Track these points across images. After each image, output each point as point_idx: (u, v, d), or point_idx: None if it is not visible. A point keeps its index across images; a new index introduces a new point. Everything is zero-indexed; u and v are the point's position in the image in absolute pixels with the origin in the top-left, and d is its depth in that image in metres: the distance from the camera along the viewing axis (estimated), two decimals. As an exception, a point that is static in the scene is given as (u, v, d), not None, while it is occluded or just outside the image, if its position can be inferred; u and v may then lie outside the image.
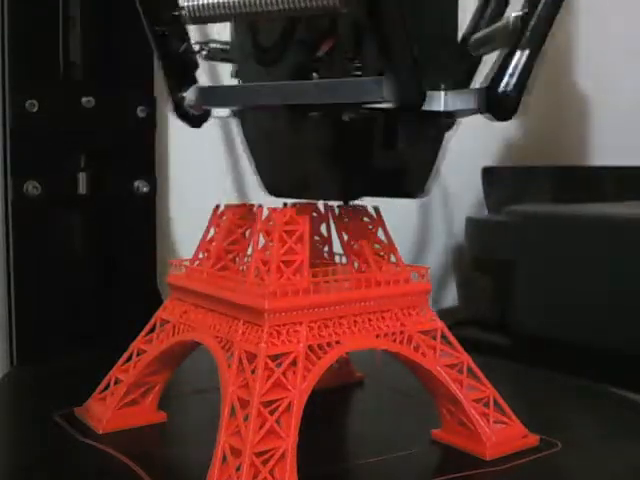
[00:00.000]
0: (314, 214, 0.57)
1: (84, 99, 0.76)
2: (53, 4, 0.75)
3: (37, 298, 0.76)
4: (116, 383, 0.57)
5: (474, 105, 0.44)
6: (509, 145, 1.19)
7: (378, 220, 0.54)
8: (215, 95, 0.49)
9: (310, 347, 0.48)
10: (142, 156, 0.81)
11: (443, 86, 0.45)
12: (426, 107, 0.44)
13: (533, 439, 0.54)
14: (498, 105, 0.44)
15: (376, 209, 0.54)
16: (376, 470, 0.51)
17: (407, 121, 0.46)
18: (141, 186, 0.81)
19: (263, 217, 0.50)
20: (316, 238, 0.59)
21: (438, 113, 0.45)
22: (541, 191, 1.06)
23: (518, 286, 0.89)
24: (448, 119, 0.49)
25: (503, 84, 0.43)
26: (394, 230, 0.55)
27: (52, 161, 0.76)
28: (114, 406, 0.56)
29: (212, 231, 0.56)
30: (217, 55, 0.51)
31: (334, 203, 0.55)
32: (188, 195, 0.89)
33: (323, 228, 0.58)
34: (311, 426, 0.46)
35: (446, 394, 0.53)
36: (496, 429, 0.53)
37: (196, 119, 0.51)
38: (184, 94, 0.49)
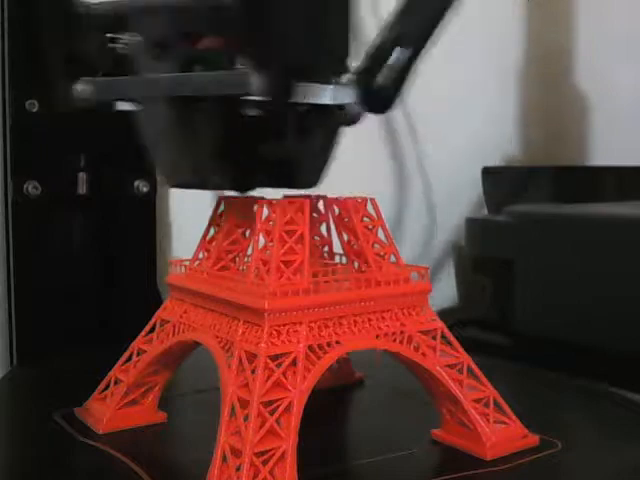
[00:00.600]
0: (314, 214, 0.57)
1: (84, 99, 0.76)
2: (53, 4, 0.75)
3: (37, 298, 0.76)
4: (116, 383, 0.57)
5: (355, 98, 0.46)
6: (509, 145, 1.19)
7: (378, 220, 0.54)
8: (100, 88, 0.50)
9: (310, 347, 0.48)
10: (142, 156, 0.81)
11: (334, 81, 0.47)
12: (315, 100, 0.46)
13: (533, 439, 0.54)
14: (373, 99, 0.46)
15: (376, 209, 0.54)
16: (376, 470, 0.51)
17: (297, 114, 0.48)
18: (141, 186, 0.81)
19: (263, 217, 0.50)
20: (316, 238, 0.59)
21: (328, 107, 0.47)
22: (541, 191, 1.06)
23: (518, 286, 0.89)
24: (342, 112, 0.50)
25: (379, 79, 0.45)
26: (394, 230, 0.55)
27: (52, 161, 0.76)
28: (114, 406, 0.56)
29: (212, 231, 0.56)
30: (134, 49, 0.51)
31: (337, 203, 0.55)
32: (188, 195, 0.89)
33: (323, 228, 0.58)
34: (311, 426, 0.46)
35: (446, 394, 0.53)
36: (496, 429, 0.53)
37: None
38: (76, 87, 0.50)
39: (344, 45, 0.49)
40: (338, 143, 0.52)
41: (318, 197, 0.56)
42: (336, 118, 0.50)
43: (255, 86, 0.42)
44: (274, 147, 0.48)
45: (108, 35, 0.50)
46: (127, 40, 0.50)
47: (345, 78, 0.48)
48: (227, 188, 0.51)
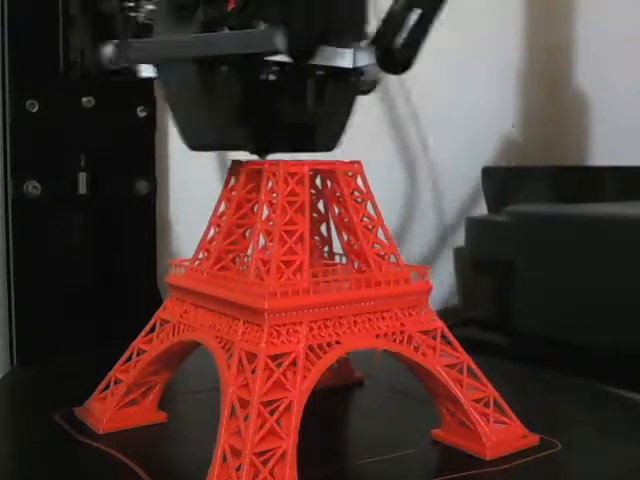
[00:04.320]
0: (314, 214, 0.57)
1: (84, 99, 0.76)
2: (53, 4, 0.75)
3: (37, 298, 0.76)
4: (116, 383, 0.57)
5: (374, 60, 0.47)
6: (509, 145, 1.19)
7: (378, 220, 0.54)
8: (129, 50, 0.51)
9: (310, 347, 0.48)
10: (142, 156, 0.81)
11: (353, 46, 0.48)
12: (336, 64, 0.47)
13: (533, 439, 0.54)
14: (391, 60, 0.46)
15: (375, 209, 0.54)
16: (376, 470, 0.51)
17: (317, 79, 0.49)
18: (141, 186, 0.81)
19: (264, 216, 0.50)
20: (316, 238, 0.59)
21: (348, 71, 0.48)
22: (541, 191, 1.06)
23: (518, 286, 0.89)
24: (359, 78, 0.51)
25: (398, 40, 0.46)
26: (393, 230, 0.55)
27: (52, 161, 0.76)
28: (114, 406, 0.56)
29: (212, 231, 0.56)
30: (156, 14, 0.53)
31: (335, 206, 0.55)
32: (188, 195, 0.89)
33: (323, 228, 0.58)
34: (311, 426, 0.46)
35: (446, 394, 0.53)
36: (496, 429, 0.53)
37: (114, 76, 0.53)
38: (102, 50, 0.52)
39: (362, 11, 0.50)
40: (354, 111, 0.53)
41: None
42: (353, 84, 0.51)
43: (279, 43, 0.43)
44: (292, 110, 0.49)
45: (129, 4, 0.52)
46: (148, 9, 0.52)
47: (364, 42, 0.49)
48: (246, 149, 0.52)
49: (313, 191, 0.56)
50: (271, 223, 0.49)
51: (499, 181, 1.07)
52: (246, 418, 0.45)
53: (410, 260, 0.57)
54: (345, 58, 0.48)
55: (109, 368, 0.58)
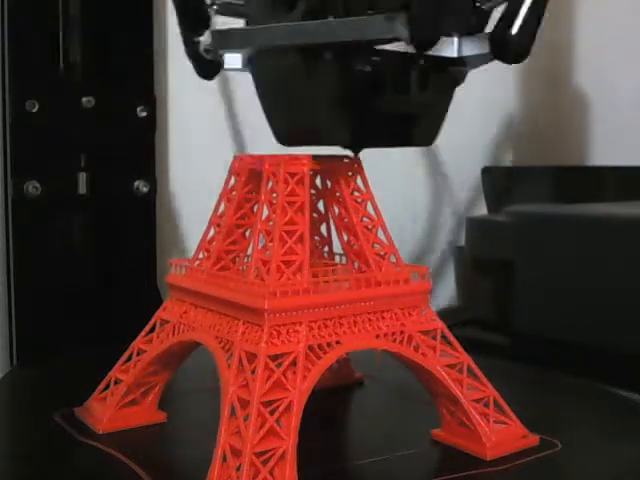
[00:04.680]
0: (314, 214, 0.57)
1: (84, 99, 0.76)
2: (53, 4, 0.75)
3: (37, 298, 0.76)
4: (116, 383, 0.57)
5: (486, 49, 0.45)
6: (509, 145, 1.19)
7: (378, 220, 0.54)
8: (230, 38, 0.49)
9: (310, 347, 0.48)
10: (142, 156, 0.82)
11: (457, 34, 0.46)
12: (439, 53, 0.45)
13: (533, 439, 0.54)
14: (509, 49, 0.45)
15: (376, 209, 0.54)
16: (376, 470, 0.51)
17: (419, 68, 0.47)
18: (141, 186, 0.81)
19: (264, 216, 0.50)
20: (316, 238, 0.59)
21: (450, 61, 0.46)
22: (541, 191, 1.06)
23: (518, 286, 0.89)
24: (459, 69, 0.49)
25: (515, 28, 0.44)
26: (393, 229, 0.55)
27: (52, 161, 0.76)
28: (114, 406, 0.56)
29: (212, 231, 0.56)
30: (227, 10, 0.51)
31: (336, 205, 0.55)
32: (188, 195, 0.89)
33: (323, 228, 0.58)
34: (311, 426, 0.46)
35: (446, 394, 0.53)
36: (496, 429, 0.53)
37: (209, 69, 0.51)
38: (200, 38, 0.50)
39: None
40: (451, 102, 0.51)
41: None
42: (455, 74, 0.50)
43: (401, 31, 0.40)
44: (394, 102, 0.47)
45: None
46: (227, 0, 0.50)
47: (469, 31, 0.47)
48: (342, 144, 0.50)
49: (313, 191, 0.56)
50: (271, 223, 0.49)
51: (499, 181, 1.07)
52: (246, 418, 0.45)
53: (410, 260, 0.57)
54: (450, 47, 0.46)
55: (109, 368, 0.58)
